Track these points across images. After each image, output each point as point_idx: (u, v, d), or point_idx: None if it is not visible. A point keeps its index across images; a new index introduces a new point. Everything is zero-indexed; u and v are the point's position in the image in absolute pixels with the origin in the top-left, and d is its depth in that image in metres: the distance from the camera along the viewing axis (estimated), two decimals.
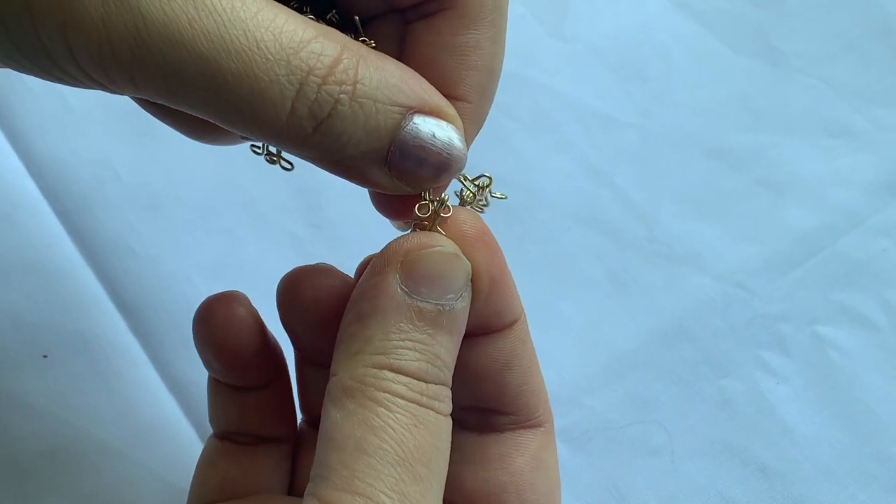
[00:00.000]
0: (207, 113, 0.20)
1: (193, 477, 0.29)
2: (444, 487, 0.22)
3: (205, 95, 0.19)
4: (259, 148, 0.26)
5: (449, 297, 0.22)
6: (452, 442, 0.22)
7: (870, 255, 0.38)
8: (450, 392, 0.22)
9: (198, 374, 0.36)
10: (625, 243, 0.39)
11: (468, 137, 0.24)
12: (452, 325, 0.22)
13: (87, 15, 0.18)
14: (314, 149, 0.21)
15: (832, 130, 0.41)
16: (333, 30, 0.21)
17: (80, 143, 0.40)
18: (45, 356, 0.36)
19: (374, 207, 0.25)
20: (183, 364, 0.36)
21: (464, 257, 0.23)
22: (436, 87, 0.22)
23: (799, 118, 0.41)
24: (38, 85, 0.40)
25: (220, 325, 0.27)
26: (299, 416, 0.30)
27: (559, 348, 0.37)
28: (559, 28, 0.42)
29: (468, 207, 0.25)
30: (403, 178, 0.22)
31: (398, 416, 0.21)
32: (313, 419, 0.29)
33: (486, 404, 0.26)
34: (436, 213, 0.23)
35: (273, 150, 0.26)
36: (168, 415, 0.36)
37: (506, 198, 0.26)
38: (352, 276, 0.27)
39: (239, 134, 0.21)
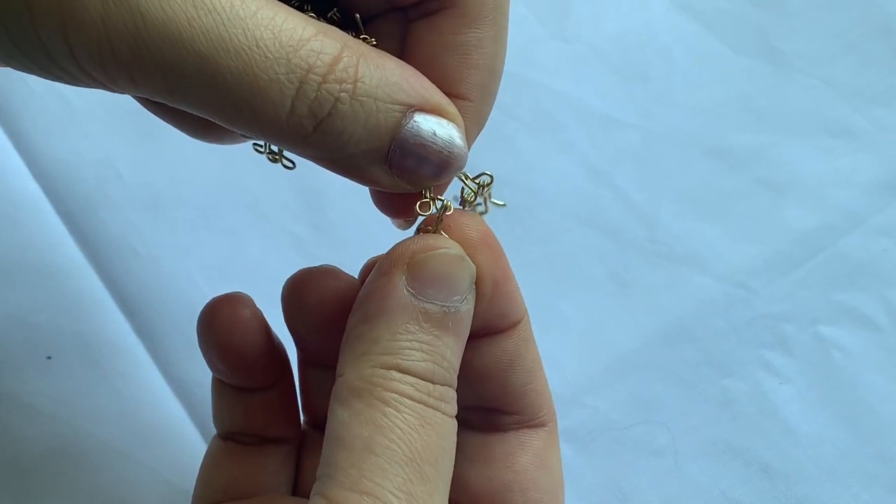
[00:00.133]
0: (207, 112, 0.20)
1: (197, 478, 0.29)
2: (449, 488, 0.22)
3: (204, 94, 0.19)
4: (261, 146, 0.26)
5: (454, 298, 0.22)
6: (457, 441, 0.22)
7: (871, 255, 0.38)
8: (455, 393, 0.22)
9: (201, 375, 0.36)
10: (626, 243, 0.39)
11: (469, 136, 0.23)
12: (458, 327, 0.22)
13: (87, 14, 0.18)
14: (315, 147, 0.21)
15: (833, 130, 0.41)
16: (334, 28, 0.21)
17: (82, 144, 0.40)
18: (48, 357, 0.36)
19: (374, 206, 0.25)
20: (186, 365, 0.36)
21: (468, 260, 0.23)
22: (437, 86, 0.22)
23: (800, 118, 0.41)
24: (41, 86, 0.40)
25: (224, 326, 0.27)
26: (303, 417, 0.30)
27: (561, 349, 0.37)
28: (561, 29, 0.42)
29: (470, 210, 0.25)
30: (404, 176, 0.22)
31: (406, 416, 0.21)
32: (316, 421, 0.29)
33: (490, 404, 0.26)
34: (440, 215, 0.23)
35: (275, 148, 0.26)
36: (171, 415, 0.36)
37: (505, 205, 0.25)
38: (356, 277, 0.27)
39: (240, 133, 0.21)
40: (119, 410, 0.35)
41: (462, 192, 0.25)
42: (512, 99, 0.41)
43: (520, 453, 0.26)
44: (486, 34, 0.23)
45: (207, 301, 0.28)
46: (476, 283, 0.23)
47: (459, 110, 0.23)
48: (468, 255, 0.23)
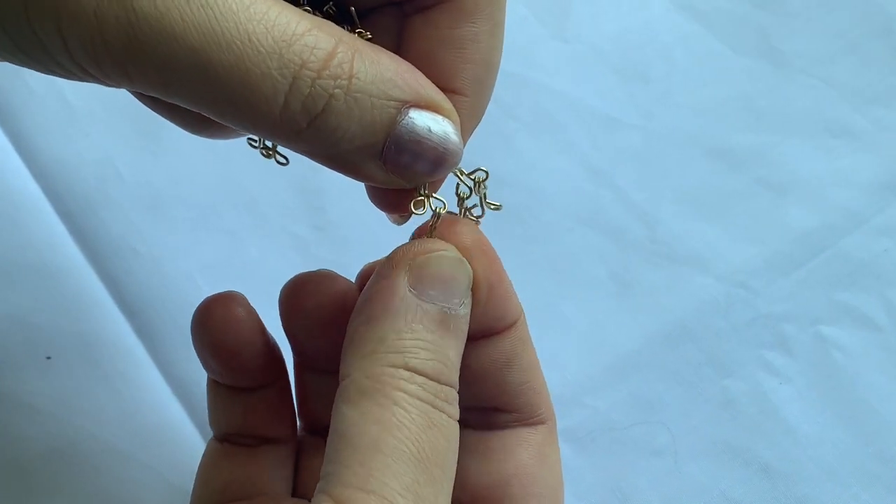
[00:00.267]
0: (201, 106, 0.20)
1: (196, 479, 0.29)
2: (452, 490, 0.22)
3: (197, 89, 0.19)
4: (255, 141, 0.26)
5: (454, 301, 0.22)
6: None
7: (872, 255, 0.38)
8: (457, 395, 0.22)
9: (200, 375, 0.36)
10: (627, 243, 0.39)
11: (465, 131, 0.23)
12: (458, 329, 0.22)
13: (81, 8, 0.18)
14: (308, 143, 0.21)
15: (833, 130, 0.41)
16: (329, 22, 0.21)
17: (82, 144, 0.40)
18: (48, 357, 0.36)
19: (370, 201, 0.25)
20: (186, 365, 0.36)
21: (466, 263, 0.23)
22: (433, 81, 0.22)
23: (800, 118, 0.41)
24: (41, 86, 0.40)
25: (217, 325, 0.27)
26: (299, 423, 0.30)
27: (562, 349, 0.37)
28: (561, 29, 0.42)
29: (465, 216, 0.25)
30: (399, 172, 0.22)
31: (414, 416, 0.21)
32: (313, 426, 0.29)
33: (488, 403, 0.26)
34: (434, 222, 0.23)
35: (269, 143, 0.26)
36: (171, 416, 0.36)
37: (500, 207, 0.25)
38: (353, 280, 0.27)
39: (235, 128, 0.21)
40: (119, 410, 0.35)
41: (457, 189, 0.25)
42: (512, 99, 0.41)
43: (519, 449, 0.26)
44: (482, 29, 0.23)
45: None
46: (472, 288, 0.23)
47: (455, 105, 0.22)
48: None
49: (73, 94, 0.40)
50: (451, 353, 0.22)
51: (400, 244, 0.23)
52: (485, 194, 0.25)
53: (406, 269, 0.22)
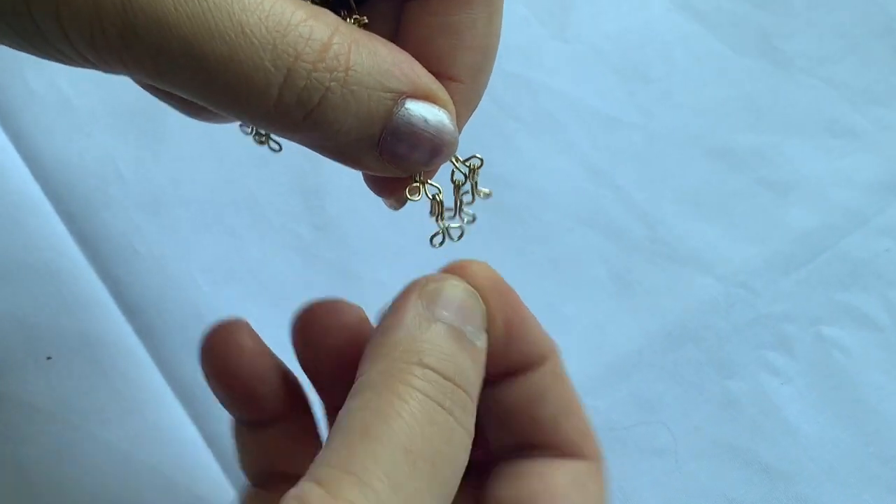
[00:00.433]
0: (194, 96, 0.20)
1: None
2: (448, 500, 0.21)
3: (191, 78, 0.19)
4: (248, 128, 0.26)
5: (468, 327, 0.22)
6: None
7: (873, 255, 0.38)
8: (473, 408, 0.22)
9: (201, 376, 0.36)
10: (627, 244, 0.39)
11: (461, 119, 0.23)
12: (475, 355, 0.22)
13: None
14: (304, 135, 0.21)
15: (834, 130, 0.41)
16: (325, 11, 0.21)
17: (83, 145, 0.40)
18: (48, 357, 0.36)
19: (366, 185, 0.25)
20: (187, 365, 0.36)
21: (479, 298, 0.23)
22: (430, 68, 0.22)
23: (801, 118, 0.41)
24: (42, 86, 0.40)
25: (221, 353, 0.26)
26: None
27: (562, 349, 0.37)
28: (562, 29, 0.42)
29: (460, 205, 0.25)
30: (395, 162, 0.22)
31: (413, 409, 0.20)
32: None
33: (524, 439, 0.25)
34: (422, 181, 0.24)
35: (262, 130, 0.26)
36: (172, 416, 0.36)
37: (490, 194, 0.25)
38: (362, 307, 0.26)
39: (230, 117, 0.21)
40: (119, 410, 0.35)
41: (452, 175, 0.25)
42: (512, 99, 0.41)
43: (555, 471, 0.25)
44: (479, 15, 0.23)
45: (209, 330, 0.27)
46: (488, 325, 0.23)
47: (451, 92, 0.22)
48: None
49: (74, 94, 0.40)
50: (467, 365, 0.22)
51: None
52: (476, 182, 0.25)
53: (419, 294, 0.22)
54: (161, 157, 0.40)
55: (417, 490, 0.20)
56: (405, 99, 0.21)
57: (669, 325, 0.37)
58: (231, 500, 0.34)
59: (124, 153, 0.39)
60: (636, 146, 0.40)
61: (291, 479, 0.26)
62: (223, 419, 0.35)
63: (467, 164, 0.25)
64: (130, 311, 0.37)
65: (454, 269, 0.24)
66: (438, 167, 0.23)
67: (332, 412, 0.27)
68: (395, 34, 0.23)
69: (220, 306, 0.37)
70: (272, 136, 0.26)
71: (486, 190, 0.25)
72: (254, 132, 0.26)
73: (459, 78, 0.23)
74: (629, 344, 0.37)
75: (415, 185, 0.23)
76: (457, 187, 0.25)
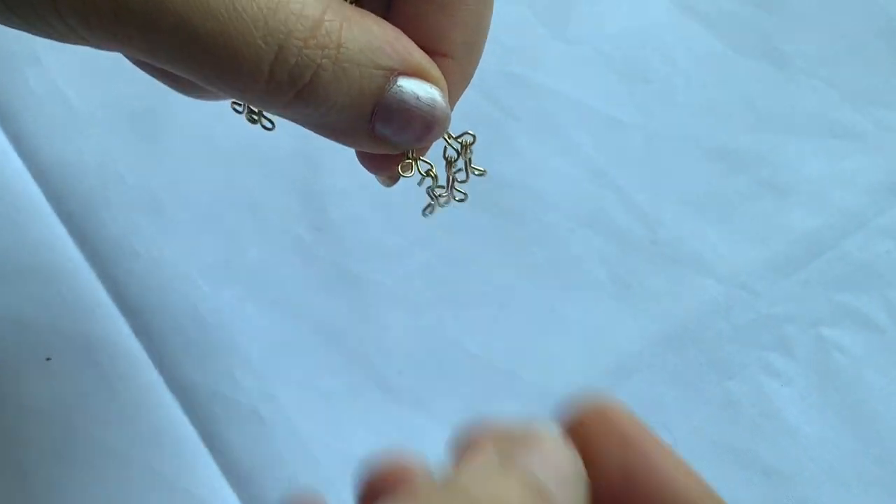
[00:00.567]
0: (186, 72, 0.20)
1: None
2: None
3: (182, 55, 0.19)
4: (240, 106, 0.26)
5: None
6: None
7: (874, 256, 0.38)
8: None
9: (201, 377, 0.36)
10: (628, 245, 0.39)
11: (454, 95, 0.23)
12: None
13: None
14: (295, 112, 0.21)
15: (836, 132, 0.40)
16: None
17: (83, 146, 0.39)
18: (48, 359, 0.36)
19: (359, 163, 0.25)
20: (186, 367, 0.36)
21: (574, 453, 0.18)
22: (422, 44, 0.22)
23: (803, 120, 0.41)
24: (41, 86, 0.40)
25: None
26: None
27: (562, 351, 0.37)
28: (562, 30, 0.42)
29: (452, 182, 0.25)
30: (387, 139, 0.22)
31: None
32: None
33: None
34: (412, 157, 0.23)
35: (254, 108, 0.26)
36: (171, 418, 0.35)
37: (485, 172, 0.25)
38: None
39: (222, 94, 0.21)
40: (118, 412, 0.35)
41: (444, 152, 0.25)
42: (513, 100, 0.41)
43: None
44: None
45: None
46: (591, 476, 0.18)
47: (443, 69, 0.22)
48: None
49: (73, 94, 0.40)
50: None
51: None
52: (470, 159, 0.25)
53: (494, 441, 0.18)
54: (161, 158, 0.39)
55: None
56: (397, 76, 0.21)
57: (669, 327, 0.37)
58: (230, 502, 0.34)
59: (124, 154, 0.39)
60: (637, 147, 0.40)
61: None
62: (222, 420, 0.35)
63: (459, 140, 0.25)
64: (130, 311, 0.37)
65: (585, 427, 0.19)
66: (431, 144, 0.23)
67: None
68: (388, 10, 0.23)
69: (220, 307, 0.37)
70: (265, 114, 0.26)
71: (481, 168, 0.25)
72: (246, 110, 0.26)
73: (452, 54, 0.23)
74: (629, 345, 0.37)
75: (407, 161, 0.23)
76: (449, 164, 0.25)
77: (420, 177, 0.24)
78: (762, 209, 0.39)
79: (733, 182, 0.40)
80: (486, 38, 0.24)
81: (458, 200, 0.26)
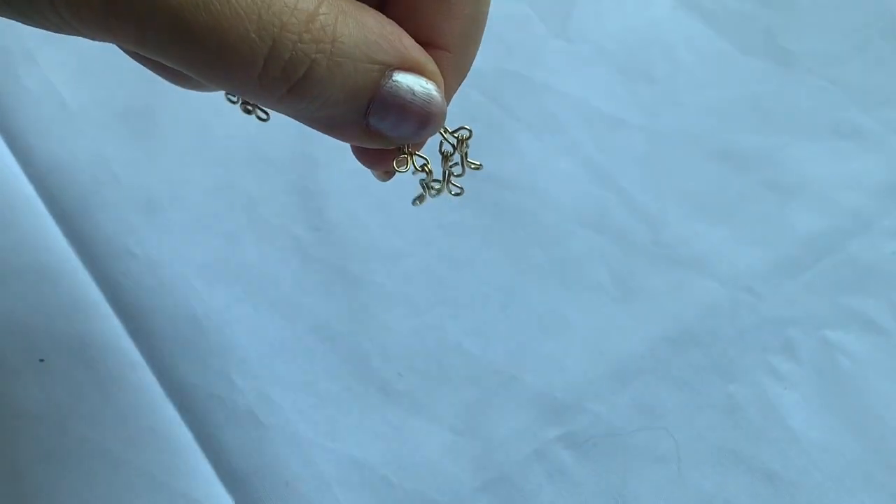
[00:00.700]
0: (179, 65, 0.20)
1: None
2: None
3: (175, 48, 0.19)
4: (234, 98, 0.26)
5: None
6: None
7: (879, 258, 0.38)
8: None
9: (196, 378, 0.36)
10: (630, 246, 0.38)
11: (450, 90, 0.23)
12: None
13: None
14: (289, 107, 0.21)
15: (842, 132, 0.40)
16: None
17: (77, 145, 0.39)
18: (41, 360, 0.36)
19: (354, 157, 0.25)
20: (181, 368, 0.36)
21: None
22: (418, 36, 0.22)
23: (807, 120, 0.40)
24: (35, 85, 0.40)
25: None
26: None
27: (564, 353, 0.37)
28: (564, 28, 0.42)
29: (448, 176, 0.25)
30: (382, 134, 0.22)
31: None
32: None
33: None
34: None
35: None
36: (167, 419, 0.35)
37: (481, 166, 0.25)
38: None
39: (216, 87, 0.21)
40: (113, 413, 0.35)
41: (440, 147, 0.25)
42: (514, 99, 0.41)
43: None
44: None
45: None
46: None
47: (439, 62, 0.22)
48: None
49: (68, 93, 0.40)
50: None
51: None
52: (466, 153, 0.25)
53: None
54: (156, 158, 0.39)
55: None
56: (393, 71, 0.21)
57: (672, 330, 0.37)
58: None
59: (119, 153, 0.39)
60: (640, 147, 0.40)
61: None
62: (218, 422, 0.35)
63: (455, 135, 0.25)
64: (125, 312, 0.37)
65: None
66: (426, 139, 0.23)
67: None
68: (384, 2, 0.23)
69: (216, 308, 0.37)
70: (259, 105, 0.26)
71: (477, 162, 0.25)
72: (240, 101, 0.26)
73: (448, 47, 0.23)
74: (631, 348, 0.37)
75: (403, 156, 0.23)
76: (445, 158, 0.25)
77: (415, 171, 0.24)
78: (766, 210, 0.39)
79: (737, 183, 0.39)
80: (483, 30, 0.24)
81: (454, 195, 0.26)
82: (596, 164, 0.40)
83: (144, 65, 0.24)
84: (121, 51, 0.23)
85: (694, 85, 0.41)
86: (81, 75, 0.40)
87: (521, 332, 0.37)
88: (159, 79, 0.25)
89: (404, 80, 0.21)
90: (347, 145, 0.24)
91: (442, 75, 0.22)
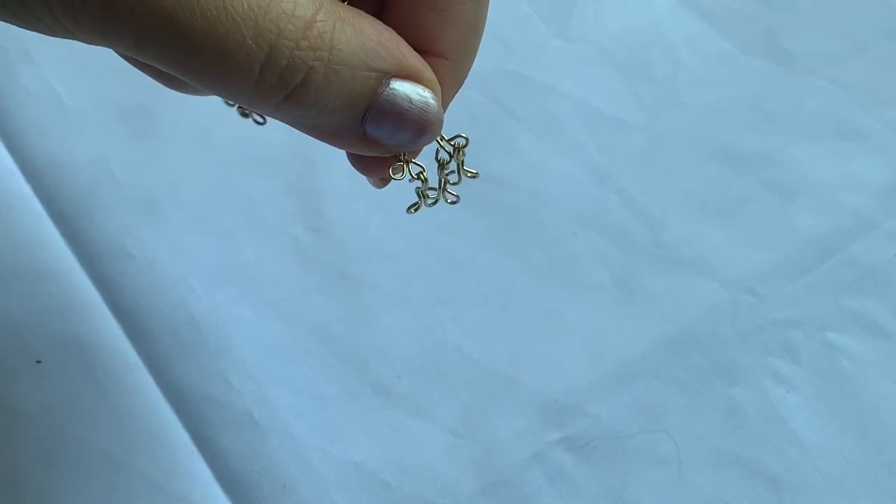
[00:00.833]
0: (177, 71, 0.20)
1: None
2: None
3: (172, 53, 0.19)
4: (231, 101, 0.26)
5: None
6: None
7: (882, 260, 0.38)
8: None
9: (193, 380, 0.36)
10: (631, 247, 0.38)
11: (446, 97, 0.23)
12: None
13: None
14: (286, 114, 0.21)
15: (843, 133, 0.40)
16: None
17: (75, 145, 0.39)
18: (38, 361, 0.35)
19: (350, 164, 0.25)
20: (178, 369, 0.36)
21: None
22: (415, 43, 0.22)
23: (809, 120, 0.40)
24: (33, 85, 0.40)
25: None
26: None
27: (564, 355, 0.37)
28: (565, 28, 0.42)
29: (444, 184, 0.25)
30: (379, 142, 0.22)
31: None
32: None
33: None
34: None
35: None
36: (164, 421, 0.35)
37: (477, 175, 0.25)
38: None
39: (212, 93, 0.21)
40: (110, 415, 0.35)
41: (436, 155, 0.25)
42: (514, 99, 0.41)
43: None
44: None
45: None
46: None
47: (436, 69, 0.22)
48: None
49: (66, 93, 0.40)
50: None
51: None
52: (462, 161, 0.25)
53: None
54: (154, 158, 0.39)
55: None
56: (390, 78, 0.21)
57: (673, 331, 0.37)
58: None
59: (117, 153, 0.39)
60: (640, 148, 0.40)
61: None
62: (216, 424, 0.35)
63: (452, 143, 0.24)
64: (122, 313, 0.37)
65: None
66: (423, 147, 0.23)
67: None
68: (381, 8, 0.23)
69: (214, 309, 0.37)
70: None
71: (473, 170, 0.25)
72: (237, 105, 0.26)
73: (445, 55, 0.23)
74: (632, 350, 0.37)
75: (399, 164, 0.23)
76: (441, 166, 0.25)
77: (411, 178, 0.24)
78: (768, 212, 0.39)
79: (738, 184, 0.39)
80: (481, 38, 0.24)
81: (450, 202, 0.26)
82: (596, 165, 0.40)
83: (141, 69, 0.24)
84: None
85: (695, 85, 0.41)
86: (79, 74, 0.40)
87: (520, 333, 0.37)
88: None
89: (401, 87, 0.21)
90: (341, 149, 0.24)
91: (439, 83, 0.22)
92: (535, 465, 0.35)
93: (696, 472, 0.35)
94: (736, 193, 0.39)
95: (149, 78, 0.25)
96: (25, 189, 0.38)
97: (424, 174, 0.24)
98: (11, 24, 0.20)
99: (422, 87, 0.21)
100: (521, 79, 0.41)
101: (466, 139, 0.24)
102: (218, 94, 0.21)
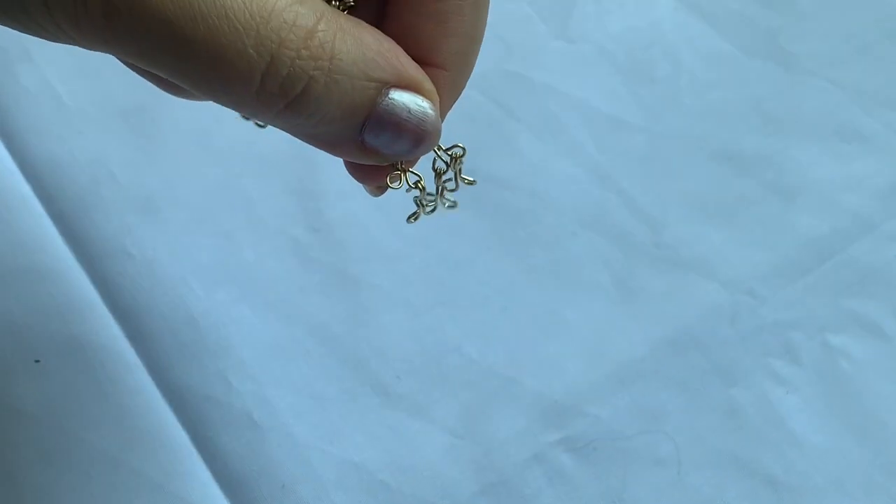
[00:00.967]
0: (177, 78, 0.20)
1: None
2: None
3: (172, 61, 0.19)
4: None
5: None
6: None
7: (882, 261, 0.38)
8: None
9: (192, 380, 0.36)
10: (631, 248, 0.38)
11: (445, 107, 0.23)
12: None
13: None
14: (286, 123, 0.21)
15: (844, 134, 0.40)
16: None
17: (75, 144, 0.39)
18: (37, 361, 0.35)
19: (347, 172, 0.25)
20: (178, 369, 0.36)
21: None
22: (414, 54, 0.22)
23: (810, 121, 0.40)
24: (33, 85, 0.40)
25: None
26: None
27: (564, 355, 0.37)
28: (565, 29, 0.42)
29: (441, 192, 0.25)
30: (377, 151, 0.22)
31: None
32: None
33: None
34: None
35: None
36: (163, 421, 0.35)
37: (474, 182, 0.25)
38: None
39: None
40: (109, 415, 0.35)
41: (434, 164, 0.25)
42: (514, 100, 0.40)
43: None
44: (466, 1, 0.23)
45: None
46: None
47: (435, 80, 0.22)
48: None
49: (66, 93, 0.40)
50: None
51: None
52: (460, 169, 0.25)
53: None
54: (154, 158, 0.39)
55: None
56: (389, 89, 0.21)
57: (673, 332, 0.37)
58: None
59: (117, 153, 0.39)
60: (641, 148, 0.40)
61: None
62: (215, 425, 0.35)
63: (449, 153, 0.25)
64: (121, 314, 0.37)
65: None
66: (420, 156, 0.23)
67: None
68: (381, 18, 0.23)
69: (214, 309, 0.37)
70: None
71: (470, 178, 0.26)
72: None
73: (444, 65, 0.23)
74: (632, 351, 0.37)
75: (396, 172, 0.23)
76: (438, 175, 0.25)
77: (408, 187, 0.24)
78: (768, 213, 0.39)
79: (739, 185, 0.39)
80: (479, 49, 0.24)
81: (448, 207, 0.26)
82: (596, 165, 0.40)
83: (141, 74, 0.25)
84: None
85: (695, 86, 0.41)
86: (79, 74, 0.40)
87: (520, 333, 0.37)
88: None
89: (400, 98, 0.21)
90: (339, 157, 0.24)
91: (438, 93, 0.23)
92: (534, 466, 0.35)
93: (695, 473, 0.35)
94: (736, 194, 0.39)
95: None
96: (25, 189, 0.38)
97: (422, 183, 0.24)
98: (12, 28, 0.20)
99: (420, 97, 0.21)
100: (521, 79, 0.41)
101: (464, 149, 0.25)
102: (218, 102, 0.21)
